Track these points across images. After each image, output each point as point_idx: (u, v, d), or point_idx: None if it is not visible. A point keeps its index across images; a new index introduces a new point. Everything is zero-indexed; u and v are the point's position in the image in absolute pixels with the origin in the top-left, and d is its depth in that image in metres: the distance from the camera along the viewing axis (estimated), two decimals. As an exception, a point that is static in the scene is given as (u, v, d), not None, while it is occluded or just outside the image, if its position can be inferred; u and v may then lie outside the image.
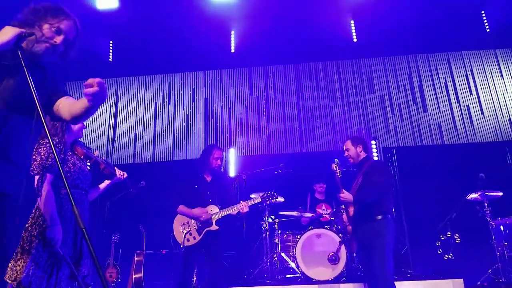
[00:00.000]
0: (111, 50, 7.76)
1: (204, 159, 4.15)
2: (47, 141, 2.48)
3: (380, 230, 3.48)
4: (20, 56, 1.66)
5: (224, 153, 4.37)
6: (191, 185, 4.07)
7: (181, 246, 3.75)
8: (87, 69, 7.58)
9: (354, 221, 3.73)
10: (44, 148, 2.45)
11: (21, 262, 2.29)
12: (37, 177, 2.41)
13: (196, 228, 3.91)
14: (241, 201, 3.99)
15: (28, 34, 1.70)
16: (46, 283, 2.31)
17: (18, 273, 2.26)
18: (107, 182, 3.03)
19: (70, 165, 2.60)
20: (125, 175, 3.08)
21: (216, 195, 4.05)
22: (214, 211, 3.95)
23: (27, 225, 2.41)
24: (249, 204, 3.99)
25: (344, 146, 3.98)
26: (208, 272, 3.91)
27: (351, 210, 3.69)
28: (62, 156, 2.51)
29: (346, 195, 3.55)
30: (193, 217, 3.92)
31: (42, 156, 2.42)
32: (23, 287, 2.24)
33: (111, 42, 7.77)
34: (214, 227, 3.91)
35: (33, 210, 2.45)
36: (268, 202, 4.40)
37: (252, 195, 5.62)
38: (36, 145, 2.50)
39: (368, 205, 3.56)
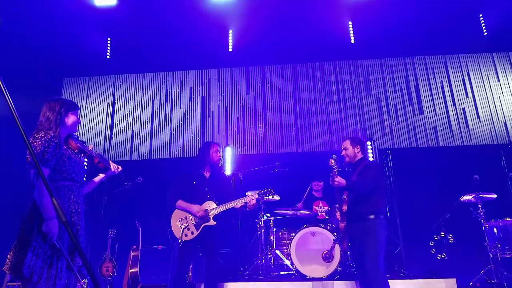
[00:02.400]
0: (109, 47, 7.77)
1: (203, 154, 4.18)
2: (42, 135, 2.48)
3: (372, 229, 3.55)
4: None
5: (221, 149, 4.39)
6: (189, 181, 4.09)
7: (179, 241, 3.76)
8: (84, 65, 7.62)
9: (348, 219, 3.76)
10: (40, 143, 2.44)
11: (20, 254, 2.31)
12: (32, 171, 2.41)
13: (194, 223, 3.93)
14: (247, 193, 4.03)
15: None
16: (47, 274, 2.33)
17: (18, 264, 2.28)
18: (101, 175, 3.01)
19: (65, 159, 2.60)
20: (120, 168, 3.07)
21: (213, 191, 4.09)
22: (212, 207, 3.98)
23: (24, 218, 2.42)
24: (247, 200, 4.02)
25: (342, 145, 4.04)
26: (205, 268, 3.93)
27: (345, 207, 3.73)
28: (58, 150, 2.52)
29: (339, 179, 3.58)
30: (191, 212, 3.94)
31: (38, 151, 2.41)
32: (24, 278, 2.27)
33: (109, 39, 7.78)
34: (212, 222, 3.93)
35: (30, 204, 2.45)
36: (265, 199, 4.42)
37: (248, 193, 5.66)
38: (31, 139, 2.47)
39: (360, 199, 3.63)
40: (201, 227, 3.91)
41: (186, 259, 3.92)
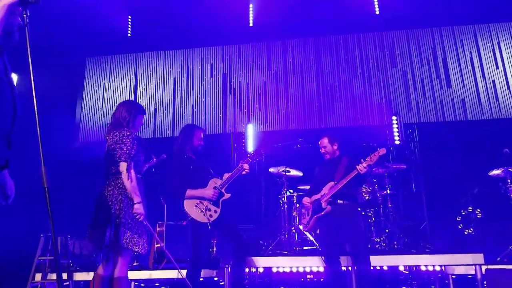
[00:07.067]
0: (130, 25, 7.77)
1: (186, 139, 4.03)
2: (128, 133, 3.01)
3: (358, 215, 4.12)
4: (26, 22, 1.70)
5: (203, 133, 4.20)
6: (186, 167, 3.93)
7: (208, 223, 3.69)
8: (106, 44, 7.66)
9: (335, 205, 3.94)
10: (129, 140, 2.97)
11: (114, 230, 2.87)
12: (124, 164, 2.93)
13: (211, 202, 3.84)
14: (240, 161, 4.04)
15: None
16: (137, 241, 2.92)
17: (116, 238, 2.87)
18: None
19: (140, 154, 3.13)
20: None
21: (210, 169, 4.03)
22: (219, 183, 3.93)
23: (110, 203, 2.92)
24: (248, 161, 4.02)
25: (320, 143, 4.21)
26: (231, 245, 3.92)
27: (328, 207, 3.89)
28: (137, 146, 3.04)
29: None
30: (204, 198, 3.81)
31: (128, 146, 2.95)
32: (122, 248, 2.89)
33: (129, 17, 7.78)
34: (227, 195, 3.90)
35: (114, 190, 2.95)
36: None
37: (271, 169, 5.64)
38: (119, 136, 2.99)
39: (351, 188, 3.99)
40: (220, 203, 3.87)
41: (207, 236, 3.95)
